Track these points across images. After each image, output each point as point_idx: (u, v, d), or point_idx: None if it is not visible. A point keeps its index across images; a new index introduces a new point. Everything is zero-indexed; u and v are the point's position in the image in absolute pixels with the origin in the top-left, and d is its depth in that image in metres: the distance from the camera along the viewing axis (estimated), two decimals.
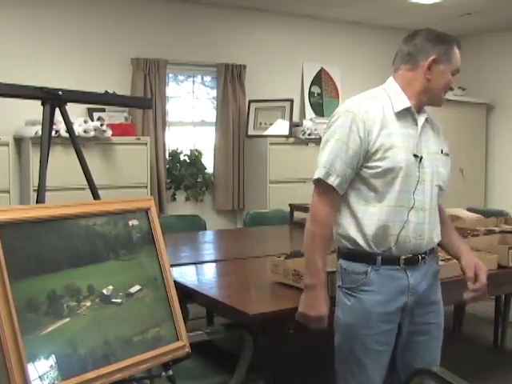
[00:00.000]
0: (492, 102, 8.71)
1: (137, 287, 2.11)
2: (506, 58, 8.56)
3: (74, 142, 3.70)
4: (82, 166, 3.66)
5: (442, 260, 3.53)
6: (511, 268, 3.68)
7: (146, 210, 2.22)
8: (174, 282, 2.26)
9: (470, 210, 5.60)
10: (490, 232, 4.23)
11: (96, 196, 3.65)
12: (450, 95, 8.23)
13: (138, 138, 6.25)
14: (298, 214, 5.49)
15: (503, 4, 6.96)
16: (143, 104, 4.93)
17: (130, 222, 2.16)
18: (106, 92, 4.55)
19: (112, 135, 5.96)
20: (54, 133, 5.07)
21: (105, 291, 2.00)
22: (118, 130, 6.09)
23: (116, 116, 6.33)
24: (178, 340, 2.19)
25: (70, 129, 3.72)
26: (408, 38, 2.80)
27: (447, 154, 2.86)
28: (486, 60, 8.81)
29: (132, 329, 2.05)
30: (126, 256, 2.12)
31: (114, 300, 2.03)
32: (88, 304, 1.94)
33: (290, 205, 5.53)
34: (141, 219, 2.19)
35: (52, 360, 1.79)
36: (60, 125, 5.29)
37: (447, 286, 3.39)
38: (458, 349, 5.16)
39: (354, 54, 8.19)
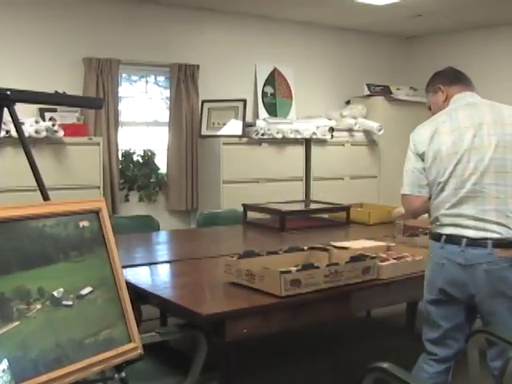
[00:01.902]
0: None
1: (88, 289, 2.09)
2: (456, 58, 8.65)
3: (23, 142, 3.64)
4: (31, 166, 3.61)
5: (394, 258, 3.57)
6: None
7: (97, 211, 2.20)
8: (127, 283, 2.25)
9: None
10: None
11: (46, 197, 3.60)
12: (401, 95, 8.35)
13: (91, 139, 6.19)
14: (251, 214, 5.51)
15: (454, 6, 7.06)
16: (93, 104, 4.87)
17: (81, 224, 2.14)
18: (56, 92, 4.49)
19: (64, 135, 5.89)
20: (4, 133, 5.00)
21: (55, 293, 1.98)
22: (70, 130, 6.03)
23: (68, 116, 6.26)
24: (131, 342, 2.18)
25: (18, 129, 3.66)
26: None
27: None
28: (436, 60, 8.87)
29: (84, 331, 2.03)
30: (77, 258, 2.10)
31: (64, 302, 2.01)
32: (38, 307, 1.92)
33: (244, 205, 5.54)
34: (92, 220, 2.18)
35: (4, 364, 1.76)
36: (10, 125, 5.21)
37: (400, 283, 3.44)
38: (412, 346, 5.21)
39: (307, 54, 8.23)
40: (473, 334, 2.89)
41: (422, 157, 3.06)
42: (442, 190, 2.97)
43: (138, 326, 2.27)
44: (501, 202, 2.86)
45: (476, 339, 2.89)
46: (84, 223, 2.16)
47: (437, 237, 3.01)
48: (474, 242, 2.86)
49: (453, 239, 2.92)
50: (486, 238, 2.84)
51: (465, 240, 2.88)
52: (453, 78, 3.29)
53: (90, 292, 2.09)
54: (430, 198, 3.07)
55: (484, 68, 8.33)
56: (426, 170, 3.04)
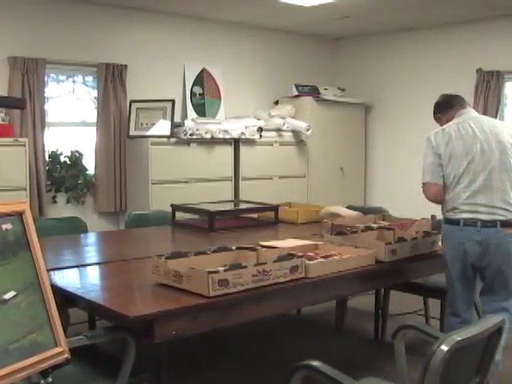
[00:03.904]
0: (370, 102, 8.97)
1: (11, 293, 2.06)
2: (382, 59, 8.83)
3: None
4: None
5: (322, 257, 3.62)
6: (389, 263, 3.79)
7: (21, 214, 2.17)
8: (54, 286, 2.23)
9: (349, 207, 5.74)
10: (368, 228, 4.36)
11: None
12: (329, 95, 8.44)
13: (16, 140, 6.06)
14: (180, 215, 5.50)
15: (379, 8, 7.18)
16: (16, 104, 4.80)
17: (4, 227, 2.11)
18: None
19: None
20: None
21: None
22: None
23: None
24: (57, 346, 2.15)
25: None
26: None
27: None
28: (363, 61, 9.06)
29: (8, 336, 2.00)
30: (0, 261, 2.06)
31: None
32: None
33: (172, 205, 5.52)
34: (15, 223, 2.14)
35: None
36: None
37: (328, 282, 3.48)
38: (341, 342, 5.30)
39: (236, 54, 8.25)
40: (399, 329, 2.97)
41: (439, 156, 3.91)
42: (458, 183, 3.85)
43: (65, 330, 2.25)
44: (504, 193, 3.80)
45: (402, 334, 2.96)
46: (7, 226, 2.12)
47: (456, 221, 3.86)
48: (486, 224, 3.77)
49: (470, 222, 3.80)
50: (496, 220, 3.75)
51: (479, 222, 3.77)
52: (446, 106, 4.17)
53: (13, 296, 2.06)
54: (443, 188, 3.92)
55: (408, 69, 8.52)
56: (444, 166, 3.90)
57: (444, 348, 2.11)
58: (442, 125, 4.13)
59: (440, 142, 3.93)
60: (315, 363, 2.51)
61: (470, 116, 4.01)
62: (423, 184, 4.00)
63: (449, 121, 4.07)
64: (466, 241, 3.81)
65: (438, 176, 3.92)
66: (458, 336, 2.17)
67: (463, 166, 3.84)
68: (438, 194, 3.94)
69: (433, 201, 4.01)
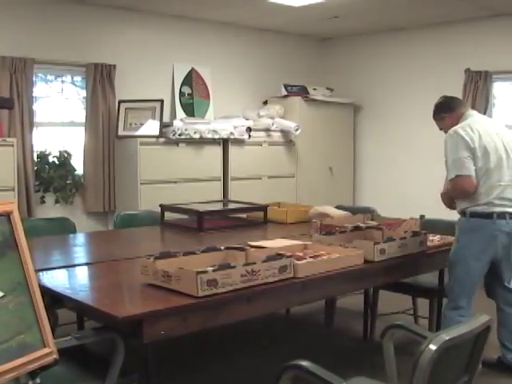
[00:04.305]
0: (359, 102, 8.98)
1: None
2: (371, 59, 8.84)
3: None
4: None
5: (310, 257, 3.62)
6: (377, 262, 3.80)
7: (8, 214, 2.16)
8: (42, 286, 2.22)
9: (338, 207, 5.75)
10: (356, 228, 4.36)
11: None
12: (318, 95, 8.45)
13: (4, 140, 6.03)
14: (168, 215, 5.49)
15: (368, 8, 7.19)
16: (4, 104, 4.78)
17: None
18: None
19: None
20: None
21: None
22: None
23: None
24: (45, 347, 2.15)
25: None
26: None
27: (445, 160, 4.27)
28: (352, 61, 9.07)
29: None
30: None
31: None
32: None
33: (161, 205, 5.51)
34: (2, 223, 2.13)
35: None
36: None
37: (317, 281, 3.48)
38: (331, 342, 5.31)
39: (224, 54, 8.25)
40: (388, 329, 2.98)
41: (473, 150, 4.09)
42: (489, 177, 4.12)
43: (53, 331, 2.24)
44: None
45: (391, 334, 2.97)
46: None
47: (489, 215, 4.14)
48: None
49: (501, 216, 4.13)
50: None
51: (508, 215, 4.15)
52: (453, 106, 4.43)
53: (1, 297, 2.05)
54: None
55: (397, 69, 8.54)
56: (476, 160, 4.09)
57: (432, 347, 2.12)
58: (445, 124, 4.39)
59: (473, 137, 4.12)
60: (304, 363, 2.51)
61: (482, 116, 4.47)
62: (458, 176, 4.12)
63: (454, 120, 4.33)
64: (498, 233, 4.16)
65: (473, 169, 4.10)
66: (447, 335, 2.17)
67: (494, 161, 4.12)
68: (473, 186, 4.11)
69: (466, 194, 4.16)
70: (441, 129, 4.55)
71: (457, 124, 4.29)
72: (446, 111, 4.43)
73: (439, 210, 7.73)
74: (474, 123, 4.24)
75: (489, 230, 4.16)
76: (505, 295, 4.45)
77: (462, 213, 4.25)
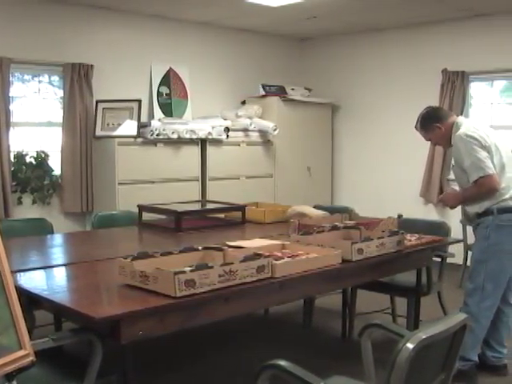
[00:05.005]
0: (337, 102, 9.01)
1: None
2: (349, 59, 8.88)
3: None
4: None
5: (288, 256, 3.62)
6: (355, 262, 3.80)
7: None
8: (19, 288, 2.20)
9: (316, 207, 5.76)
10: (334, 228, 4.37)
11: None
12: (296, 96, 8.47)
13: None
14: (147, 215, 5.47)
15: (346, 9, 7.22)
16: None
17: None
18: None
19: None
20: None
21: None
22: None
23: None
24: (21, 348, 2.13)
25: None
26: None
27: (453, 165, 4.42)
28: (330, 62, 9.10)
29: None
30: None
31: None
32: None
33: (139, 205, 5.49)
34: None
35: None
36: None
37: (295, 281, 3.49)
38: (309, 341, 5.32)
39: (203, 54, 8.25)
40: (365, 328, 2.99)
41: (487, 149, 4.18)
42: (503, 173, 4.23)
43: (30, 333, 2.22)
44: None
45: (369, 333, 2.99)
46: None
47: None
48: None
49: None
50: None
51: None
52: (445, 115, 4.49)
53: None
54: None
55: (375, 69, 8.58)
56: (492, 157, 4.17)
57: (409, 346, 2.12)
58: (438, 135, 4.46)
59: (483, 136, 4.21)
60: (282, 362, 2.51)
61: (471, 119, 4.70)
62: (483, 177, 4.14)
63: (447, 130, 4.39)
64: None
65: (493, 167, 4.16)
66: (424, 334, 2.18)
67: (503, 157, 4.27)
68: (498, 183, 4.19)
69: (493, 192, 4.21)
70: (428, 139, 4.60)
71: (450, 133, 4.38)
72: (439, 121, 4.44)
73: (417, 209, 7.82)
74: (474, 124, 4.36)
75: None
76: (506, 293, 4.48)
77: (487, 211, 4.28)
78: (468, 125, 4.34)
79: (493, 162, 4.16)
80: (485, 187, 4.18)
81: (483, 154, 4.15)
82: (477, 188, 4.20)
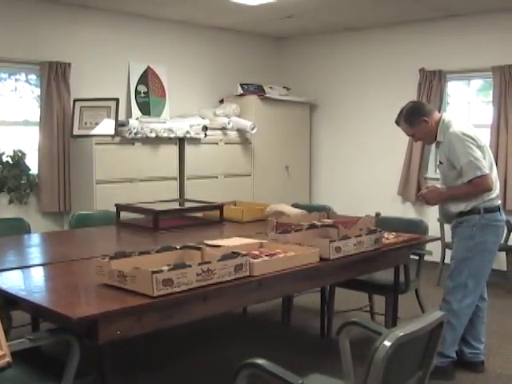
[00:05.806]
0: (315, 101, 9.03)
1: None
2: (326, 58, 8.90)
3: None
4: None
5: (266, 255, 3.63)
6: (333, 260, 3.82)
7: None
8: None
9: (294, 205, 5.77)
10: (312, 226, 4.38)
11: None
12: (274, 94, 8.48)
13: None
14: (124, 215, 5.45)
15: (322, 9, 7.24)
16: None
17: None
18: None
19: None
20: None
21: None
22: None
23: None
24: None
25: None
26: None
27: (441, 163, 4.43)
28: (308, 61, 9.12)
29: None
30: None
31: None
32: None
33: (116, 205, 5.48)
34: None
35: None
36: None
37: (273, 280, 3.49)
38: (288, 340, 5.32)
39: (181, 53, 8.24)
40: (343, 326, 3.00)
41: (481, 149, 4.25)
42: (492, 172, 4.28)
43: (7, 333, 2.21)
44: None
45: (347, 331, 3.00)
46: None
47: (498, 208, 4.38)
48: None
49: (500, 208, 4.40)
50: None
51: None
52: (430, 109, 4.47)
53: None
54: None
55: (352, 68, 8.61)
56: (485, 157, 4.24)
57: (387, 343, 2.13)
58: (424, 129, 4.41)
59: (478, 136, 4.30)
60: (260, 361, 2.51)
61: (457, 118, 4.55)
62: (483, 176, 4.20)
63: (434, 124, 4.39)
64: (503, 224, 4.46)
65: (487, 167, 4.25)
66: (401, 331, 2.19)
67: (492, 157, 4.39)
68: (492, 182, 4.27)
69: (487, 191, 4.28)
70: (411, 134, 4.55)
71: (435, 129, 4.39)
72: (425, 114, 4.41)
73: (394, 207, 7.85)
74: (465, 123, 4.47)
75: (500, 223, 4.39)
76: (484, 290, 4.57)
77: (473, 210, 4.31)
78: (460, 123, 4.36)
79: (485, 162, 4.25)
80: (481, 187, 4.22)
81: (479, 154, 4.20)
82: (472, 187, 4.23)
